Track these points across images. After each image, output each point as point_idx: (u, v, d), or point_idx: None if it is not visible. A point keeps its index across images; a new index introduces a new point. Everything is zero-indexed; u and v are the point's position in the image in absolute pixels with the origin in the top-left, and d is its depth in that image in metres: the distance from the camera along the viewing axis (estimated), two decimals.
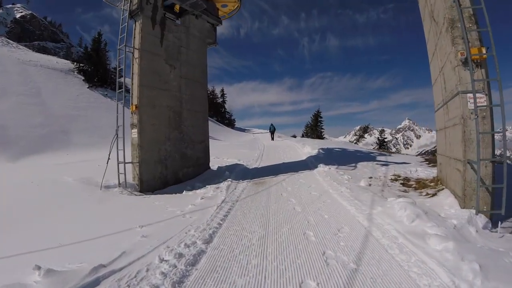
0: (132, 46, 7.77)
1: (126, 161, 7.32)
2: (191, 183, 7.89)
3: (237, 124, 51.26)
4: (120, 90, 7.67)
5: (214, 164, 10.34)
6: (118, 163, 7.37)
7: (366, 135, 34.64)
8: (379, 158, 10.99)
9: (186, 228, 3.69)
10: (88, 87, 25.78)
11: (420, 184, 6.85)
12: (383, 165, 9.40)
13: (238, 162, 10.65)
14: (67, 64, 31.72)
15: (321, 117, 34.88)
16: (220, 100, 49.66)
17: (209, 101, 45.78)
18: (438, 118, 6.60)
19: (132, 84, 7.73)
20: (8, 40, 39.44)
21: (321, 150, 12.05)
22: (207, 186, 7.16)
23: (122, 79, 8.36)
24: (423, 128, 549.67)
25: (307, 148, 13.11)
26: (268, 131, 27.14)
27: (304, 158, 11.22)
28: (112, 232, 3.77)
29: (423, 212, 3.79)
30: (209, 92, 48.43)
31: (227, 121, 47.64)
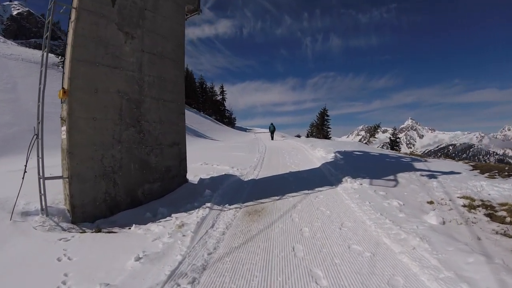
0: (71, 5, 5.16)
1: (46, 176, 4.78)
2: (154, 206, 5.26)
3: (239, 124, 48.69)
4: (42, 68, 5.09)
5: (197, 174, 7.68)
6: (39, 178, 4.80)
7: (376, 135, 31.79)
8: (416, 165, 8.27)
9: None
10: None
11: None
12: (429, 176, 6.72)
13: (230, 171, 7.98)
14: (51, 58, 29.34)
15: (327, 116, 32.11)
16: (219, 97, 46.98)
17: (208, 98, 43.18)
18: None
19: (65, 59, 5.15)
20: None
21: (338, 154, 9.32)
22: (172, 215, 4.53)
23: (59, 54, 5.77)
24: (426, 127, 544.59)
25: (320, 152, 10.37)
26: (268, 130, 25.76)
27: (318, 165, 8.48)
28: None
29: None
30: (208, 89, 45.88)
31: (227, 119, 45.01)
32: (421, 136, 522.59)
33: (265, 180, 7.02)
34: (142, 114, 5.61)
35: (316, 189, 5.58)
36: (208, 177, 6.91)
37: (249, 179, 7.17)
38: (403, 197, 4.82)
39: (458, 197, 5.13)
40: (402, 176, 6.42)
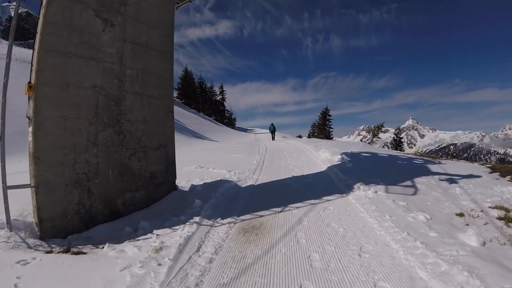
0: None
1: (9, 185, 4.10)
2: (135, 219, 4.55)
3: (240, 124, 48.02)
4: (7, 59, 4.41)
5: (191, 179, 6.99)
6: (3, 187, 4.12)
7: (379, 135, 31.06)
8: (431, 168, 7.54)
9: None
10: None
11: None
12: (449, 181, 6.00)
13: (227, 176, 7.26)
14: None
15: (329, 115, 31.43)
16: (219, 97, 46.27)
17: (208, 99, 42.46)
18: None
19: (33, 50, 4.47)
20: None
21: (344, 156, 8.58)
22: (154, 231, 3.81)
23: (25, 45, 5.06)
24: (427, 127, 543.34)
25: (324, 153, 9.62)
26: (269, 131, 25.26)
27: (323, 168, 7.73)
28: None
29: None
30: (207, 89, 45.13)
31: (227, 120, 44.32)
32: (422, 136, 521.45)
33: (265, 186, 6.29)
34: (123, 112, 4.88)
35: (324, 198, 4.84)
36: (201, 183, 6.18)
37: (247, 184, 6.44)
38: (428, 209, 4.09)
39: (489, 207, 4.39)
40: (420, 182, 5.69)
